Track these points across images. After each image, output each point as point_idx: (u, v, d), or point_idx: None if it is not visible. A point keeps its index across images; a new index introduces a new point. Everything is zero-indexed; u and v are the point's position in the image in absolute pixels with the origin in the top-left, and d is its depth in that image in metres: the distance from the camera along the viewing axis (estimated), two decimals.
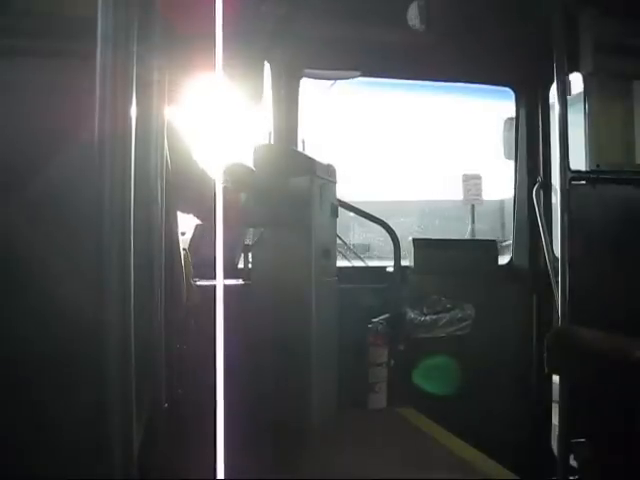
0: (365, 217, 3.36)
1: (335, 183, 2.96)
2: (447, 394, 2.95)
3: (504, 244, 3.79)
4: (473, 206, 4.43)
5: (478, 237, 4.48)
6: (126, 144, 0.75)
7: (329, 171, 2.91)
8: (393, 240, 3.24)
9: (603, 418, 2.23)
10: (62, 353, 1.42)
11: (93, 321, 0.74)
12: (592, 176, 2.73)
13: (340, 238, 3.16)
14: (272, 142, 3.21)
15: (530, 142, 3.49)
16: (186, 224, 2.87)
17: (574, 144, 2.43)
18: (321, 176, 2.79)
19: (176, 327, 2.09)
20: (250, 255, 3.06)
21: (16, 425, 1.37)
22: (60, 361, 1.41)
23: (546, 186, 3.33)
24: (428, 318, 3.22)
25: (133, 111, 0.76)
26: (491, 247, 3.53)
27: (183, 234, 2.64)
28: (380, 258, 3.82)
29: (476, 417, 2.98)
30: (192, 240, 3.14)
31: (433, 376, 3.01)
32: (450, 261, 3.31)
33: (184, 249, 2.40)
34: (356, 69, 3.26)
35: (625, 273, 2.33)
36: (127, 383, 0.75)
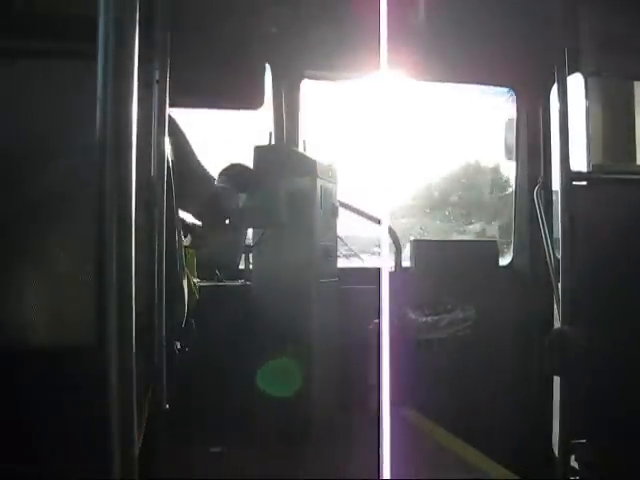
0: (365, 217, 3.35)
1: (336, 184, 2.96)
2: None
3: None
4: None
5: None
6: (127, 144, 0.75)
7: (330, 172, 2.91)
8: (393, 241, 3.24)
9: (603, 418, 2.23)
10: (61, 352, 1.42)
11: (93, 321, 0.74)
12: (593, 177, 2.73)
13: (341, 239, 3.16)
14: (273, 143, 3.21)
15: (531, 143, 3.49)
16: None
17: (575, 144, 2.43)
18: (322, 177, 2.79)
19: (177, 328, 2.09)
20: (251, 256, 3.06)
21: (15, 424, 1.37)
22: (59, 360, 1.41)
23: (547, 187, 3.33)
24: (429, 319, 3.22)
25: (133, 111, 0.76)
26: (491, 248, 3.53)
27: (184, 236, 2.64)
28: None
29: (476, 417, 2.98)
30: (193, 241, 3.14)
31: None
32: (451, 262, 3.31)
33: (187, 247, 2.40)
34: (356, 69, 3.26)
35: (625, 273, 2.33)
36: (127, 383, 0.75)
